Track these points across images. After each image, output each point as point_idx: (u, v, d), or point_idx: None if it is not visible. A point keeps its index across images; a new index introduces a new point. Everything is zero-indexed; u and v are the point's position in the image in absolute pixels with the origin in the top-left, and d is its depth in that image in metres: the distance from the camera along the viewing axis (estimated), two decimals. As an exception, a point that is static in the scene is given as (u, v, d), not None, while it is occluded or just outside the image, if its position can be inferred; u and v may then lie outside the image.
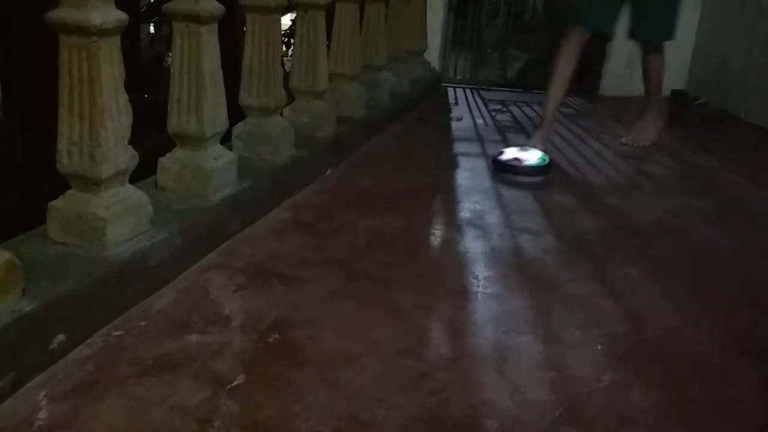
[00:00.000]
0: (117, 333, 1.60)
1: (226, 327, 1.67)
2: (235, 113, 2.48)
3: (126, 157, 1.74)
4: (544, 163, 3.19)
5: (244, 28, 2.56)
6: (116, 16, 1.64)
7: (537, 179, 3.14)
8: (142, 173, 1.98)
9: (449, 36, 5.67)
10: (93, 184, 1.69)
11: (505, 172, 3.14)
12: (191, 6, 2.03)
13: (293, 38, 3.02)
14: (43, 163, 1.89)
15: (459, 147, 3.74)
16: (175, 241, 1.88)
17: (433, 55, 5.28)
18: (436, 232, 2.49)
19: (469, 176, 3.12)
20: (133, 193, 1.80)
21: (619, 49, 5.32)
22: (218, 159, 2.18)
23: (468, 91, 5.45)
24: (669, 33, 3.69)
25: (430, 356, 1.62)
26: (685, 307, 1.96)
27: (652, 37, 3.62)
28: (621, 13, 3.44)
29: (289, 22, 4.35)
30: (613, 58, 5.37)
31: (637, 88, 5.36)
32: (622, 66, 5.35)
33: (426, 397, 1.43)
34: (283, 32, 3.15)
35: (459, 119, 4.44)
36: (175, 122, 2.14)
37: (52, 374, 1.43)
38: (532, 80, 5.70)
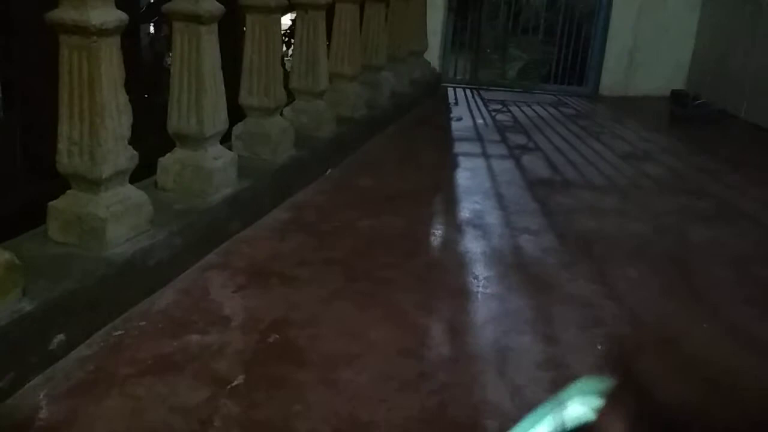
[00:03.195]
0: (117, 333, 1.60)
1: (226, 327, 1.67)
2: (235, 113, 2.48)
3: (126, 157, 1.74)
4: None
5: (244, 28, 2.56)
6: (116, 16, 1.64)
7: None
8: (142, 173, 1.98)
9: (449, 36, 5.67)
10: (93, 184, 1.69)
11: None
12: (191, 6, 2.02)
13: (293, 38, 3.02)
14: (43, 163, 1.89)
15: (459, 147, 3.74)
16: (175, 241, 1.88)
17: (433, 55, 5.28)
18: (436, 232, 2.49)
19: (469, 176, 3.12)
20: (133, 193, 1.80)
21: (620, 48, 5.32)
22: (218, 159, 2.18)
23: (468, 91, 5.45)
24: None
25: (430, 356, 1.62)
26: (685, 307, 1.96)
27: None
28: None
29: (289, 22, 4.35)
30: (613, 57, 5.37)
31: (638, 88, 5.37)
32: (622, 66, 5.35)
33: (426, 397, 1.43)
34: (283, 32, 3.15)
35: (459, 119, 4.43)
36: (175, 122, 2.13)
37: (52, 374, 1.43)
38: (532, 80, 5.71)
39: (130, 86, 1.72)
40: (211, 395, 1.39)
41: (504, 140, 3.86)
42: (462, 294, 1.95)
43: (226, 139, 2.37)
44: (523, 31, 6.01)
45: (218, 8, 2.08)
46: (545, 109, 4.82)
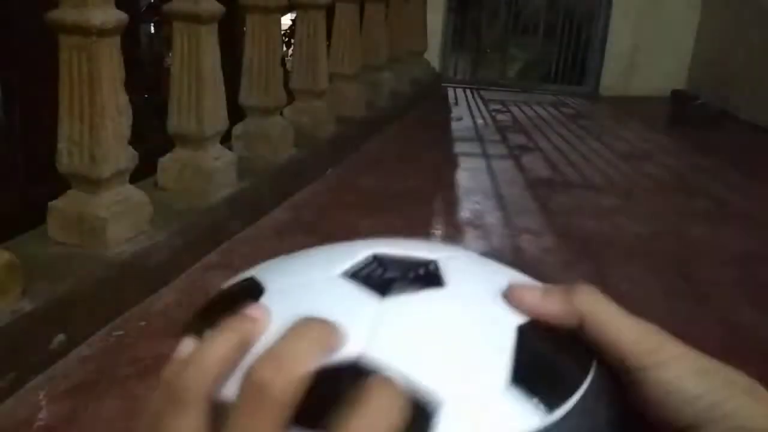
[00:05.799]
0: (117, 333, 1.60)
1: (226, 327, 1.67)
2: (236, 113, 2.48)
3: (126, 157, 1.74)
4: None
5: (244, 28, 2.56)
6: (116, 16, 1.64)
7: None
8: (142, 173, 1.98)
9: (449, 36, 5.67)
10: (93, 184, 1.69)
11: None
12: (191, 6, 2.02)
13: (293, 38, 3.02)
14: (43, 163, 1.89)
15: (459, 147, 3.74)
16: (175, 241, 1.88)
17: (433, 55, 5.28)
18: (436, 232, 2.49)
19: (469, 176, 3.12)
20: (133, 193, 1.80)
21: (620, 48, 5.32)
22: (218, 159, 2.18)
23: (468, 91, 5.45)
24: None
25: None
26: (685, 307, 1.96)
27: None
28: None
29: (289, 22, 4.35)
30: (613, 57, 5.37)
31: (638, 88, 5.38)
32: (622, 65, 5.35)
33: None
34: (283, 32, 3.15)
35: (459, 119, 4.43)
36: (175, 122, 2.13)
37: (52, 374, 1.43)
38: (532, 80, 5.71)
39: (130, 86, 1.73)
40: (211, 395, 1.39)
41: (504, 140, 3.86)
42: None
43: (226, 139, 2.37)
44: (523, 31, 6.01)
45: (218, 8, 2.08)
46: (545, 109, 4.83)
